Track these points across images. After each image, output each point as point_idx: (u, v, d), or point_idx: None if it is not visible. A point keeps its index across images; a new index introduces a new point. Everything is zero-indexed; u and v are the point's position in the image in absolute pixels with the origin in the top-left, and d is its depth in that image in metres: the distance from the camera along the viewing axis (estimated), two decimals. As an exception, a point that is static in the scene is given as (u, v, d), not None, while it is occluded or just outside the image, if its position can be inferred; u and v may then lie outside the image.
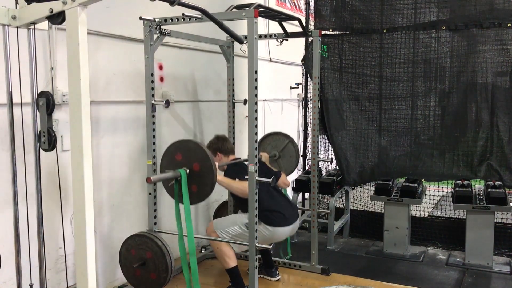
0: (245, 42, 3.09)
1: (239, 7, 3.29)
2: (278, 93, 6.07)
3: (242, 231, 3.37)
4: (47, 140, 2.59)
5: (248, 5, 3.07)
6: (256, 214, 3.00)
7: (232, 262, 3.42)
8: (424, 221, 4.82)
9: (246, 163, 3.04)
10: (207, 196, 3.02)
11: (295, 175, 5.39)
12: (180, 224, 3.12)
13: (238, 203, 3.71)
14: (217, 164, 3.07)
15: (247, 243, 3.03)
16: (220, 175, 3.21)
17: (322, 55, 4.49)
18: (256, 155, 2.96)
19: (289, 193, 4.67)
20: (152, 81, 3.28)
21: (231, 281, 3.50)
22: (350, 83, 4.68)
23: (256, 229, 3.01)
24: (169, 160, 3.08)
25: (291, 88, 6.38)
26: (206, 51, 4.43)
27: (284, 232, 3.53)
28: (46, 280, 2.82)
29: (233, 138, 4.32)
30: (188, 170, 2.99)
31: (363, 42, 4.60)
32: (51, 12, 2.17)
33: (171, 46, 3.97)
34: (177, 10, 2.75)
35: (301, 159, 5.48)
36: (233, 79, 4.26)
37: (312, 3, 4.89)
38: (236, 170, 3.49)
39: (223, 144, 3.68)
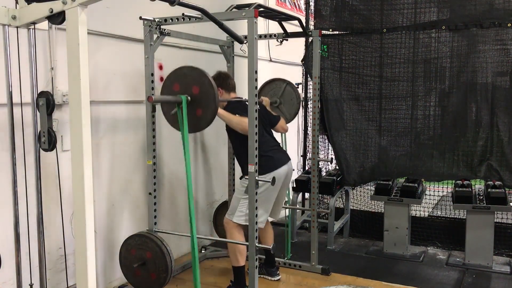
0: (245, 42, 3.08)
1: (239, 7, 3.29)
2: (278, 93, 6.07)
3: (247, 199, 3.27)
4: (47, 140, 2.59)
5: (248, 5, 3.07)
6: (256, 214, 3.00)
7: (242, 261, 3.41)
8: (424, 221, 4.82)
9: (247, 103, 3.00)
10: (213, 117, 2.88)
11: (295, 174, 5.40)
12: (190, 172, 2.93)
13: (236, 154, 3.64)
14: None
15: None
16: (220, 109, 3.15)
17: (322, 55, 4.49)
18: (256, 155, 2.95)
19: (289, 193, 4.68)
20: (152, 81, 3.28)
21: (234, 279, 3.49)
22: (350, 83, 4.68)
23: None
24: (168, 93, 2.99)
25: (291, 88, 6.38)
26: (206, 51, 4.43)
27: (280, 173, 3.48)
28: (46, 280, 2.82)
29: (233, 138, 4.32)
30: (189, 98, 2.87)
31: (363, 42, 4.60)
32: (51, 12, 2.17)
33: (171, 46, 3.97)
34: (177, 10, 2.75)
35: (301, 159, 5.49)
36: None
37: (312, 3, 4.89)
38: (236, 106, 3.44)
39: (224, 80, 3.60)
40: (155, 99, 2.91)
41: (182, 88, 2.91)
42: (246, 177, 3.33)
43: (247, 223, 3.30)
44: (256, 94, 2.92)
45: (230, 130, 3.45)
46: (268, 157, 3.39)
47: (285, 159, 3.62)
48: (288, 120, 4.31)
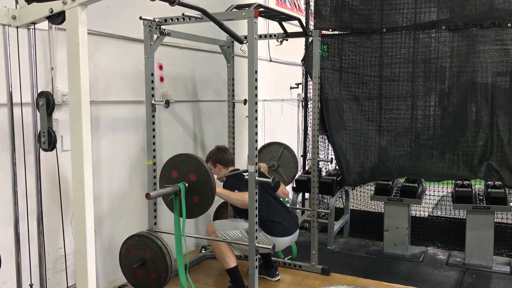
0: (245, 42, 3.08)
1: (239, 7, 3.28)
2: (278, 93, 6.07)
3: (242, 236, 3.38)
4: (47, 140, 2.59)
5: (248, 5, 3.07)
6: (256, 215, 2.99)
7: (232, 263, 3.42)
8: (424, 221, 4.82)
9: (245, 174, 3.04)
10: (210, 204, 3.01)
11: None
12: (179, 233, 3.11)
13: (237, 212, 3.72)
14: (215, 176, 3.09)
15: (247, 243, 3.03)
16: (219, 187, 3.21)
17: (322, 55, 4.49)
18: (256, 155, 2.95)
19: (289, 195, 4.67)
20: (152, 81, 3.28)
21: (231, 281, 3.50)
22: (350, 83, 4.68)
23: (256, 229, 3.01)
24: (167, 180, 3.10)
25: (291, 88, 6.38)
26: (206, 51, 4.42)
27: (284, 242, 3.55)
28: (46, 280, 2.82)
29: (233, 138, 4.32)
30: (187, 184, 2.99)
31: (363, 42, 4.60)
32: (51, 12, 2.17)
33: (171, 46, 3.97)
34: (177, 10, 2.75)
35: (301, 159, 5.49)
36: (233, 79, 4.26)
37: (312, 3, 4.89)
38: (235, 181, 3.49)
39: (223, 156, 3.68)
40: (153, 195, 2.99)
41: (180, 175, 3.03)
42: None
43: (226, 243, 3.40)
44: (256, 94, 2.91)
45: None
46: (278, 223, 3.48)
47: (294, 228, 3.63)
48: (287, 183, 4.40)
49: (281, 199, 3.85)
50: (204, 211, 3.04)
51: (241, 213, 3.53)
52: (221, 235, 3.44)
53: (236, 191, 3.35)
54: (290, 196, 4.80)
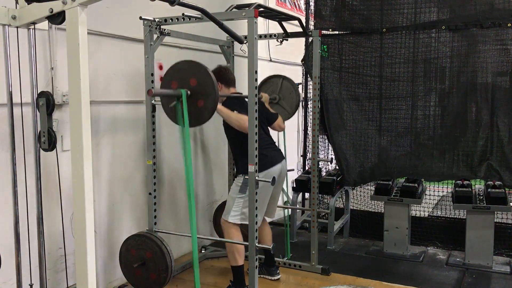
0: (245, 42, 3.09)
1: (239, 7, 3.29)
2: (278, 93, 6.07)
3: (242, 198, 3.34)
4: (47, 140, 2.59)
5: (248, 5, 3.07)
6: (256, 214, 3.00)
7: (240, 260, 3.41)
8: (424, 221, 4.82)
9: (247, 99, 2.97)
10: (215, 105, 2.82)
11: (295, 174, 5.40)
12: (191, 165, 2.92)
13: (235, 156, 3.62)
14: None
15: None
16: (219, 104, 3.13)
17: (322, 55, 4.49)
18: (256, 155, 2.96)
19: (289, 193, 4.68)
20: (152, 81, 3.29)
21: (234, 279, 3.49)
22: (350, 83, 4.68)
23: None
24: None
25: (291, 88, 6.37)
26: (206, 51, 4.42)
27: (274, 171, 3.46)
28: (46, 280, 2.82)
29: (233, 138, 4.32)
30: (189, 92, 2.82)
31: (363, 42, 4.60)
32: (51, 12, 2.17)
33: (171, 46, 3.97)
34: (177, 10, 2.75)
35: (301, 158, 5.49)
36: (233, 79, 4.25)
37: (312, 3, 4.89)
38: (235, 102, 3.42)
39: (225, 74, 3.58)
40: (155, 92, 2.89)
41: (180, 84, 2.88)
42: (242, 176, 3.34)
43: (243, 222, 3.31)
44: (256, 94, 2.92)
45: (227, 127, 3.44)
46: (262, 155, 3.34)
47: (279, 157, 3.60)
48: (290, 114, 4.30)
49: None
50: (210, 114, 2.84)
51: (236, 151, 3.48)
52: (232, 218, 3.38)
53: (235, 112, 3.29)
54: (290, 196, 4.80)
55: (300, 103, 4.46)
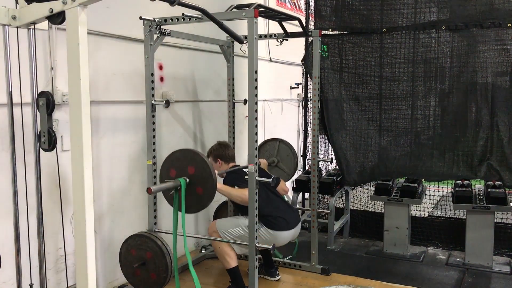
0: (245, 42, 3.09)
1: (239, 7, 3.29)
2: (278, 93, 6.07)
3: (244, 233, 3.38)
4: (47, 140, 2.59)
5: (248, 5, 3.07)
6: (256, 214, 3.00)
7: (233, 262, 3.43)
8: (424, 221, 4.82)
9: (246, 170, 3.03)
10: (213, 192, 2.98)
11: (295, 175, 5.40)
12: (176, 229, 3.11)
13: (237, 209, 3.72)
14: (216, 171, 3.07)
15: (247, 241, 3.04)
16: (219, 183, 3.21)
17: (322, 55, 4.49)
18: (256, 155, 2.95)
19: (289, 193, 4.68)
20: (152, 81, 3.28)
21: (232, 281, 3.50)
22: (350, 83, 4.68)
23: (257, 229, 3.01)
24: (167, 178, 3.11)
25: (291, 88, 6.38)
26: (206, 51, 4.42)
27: (286, 236, 3.54)
28: (46, 280, 2.82)
29: (233, 138, 4.32)
30: (187, 179, 2.99)
31: (363, 42, 4.60)
32: (51, 12, 2.17)
33: (171, 46, 3.97)
34: (177, 10, 2.75)
35: (301, 159, 5.49)
36: (233, 79, 4.26)
37: (312, 3, 4.89)
38: (235, 177, 3.49)
39: (224, 151, 3.68)
40: (154, 190, 2.98)
41: (178, 172, 3.02)
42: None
43: (227, 241, 3.40)
44: (256, 94, 2.91)
45: None
46: (281, 218, 3.48)
47: (296, 222, 3.62)
48: (290, 176, 4.41)
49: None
50: (209, 200, 3.00)
51: (241, 209, 3.53)
52: (222, 233, 3.45)
53: (236, 187, 3.35)
54: (290, 196, 4.80)
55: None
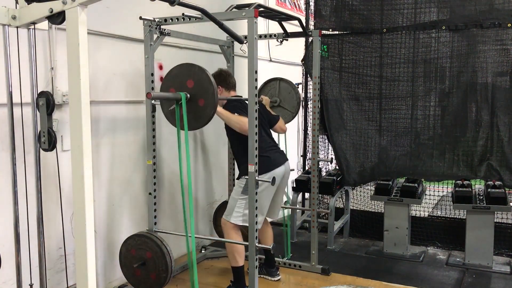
0: (245, 42, 3.09)
1: (239, 7, 3.29)
2: (278, 93, 6.07)
3: (244, 200, 3.32)
4: (47, 140, 2.59)
5: (248, 5, 3.07)
6: (256, 214, 3.00)
7: (241, 261, 3.41)
8: (424, 221, 4.82)
9: (247, 101, 2.98)
10: (215, 101, 2.84)
11: (295, 174, 5.39)
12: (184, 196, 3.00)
13: (237, 158, 3.60)
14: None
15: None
16: (219, 107, 3.14)
17: (322, 55, 4.49)
18: (256, 155, 2.96)
19: (289, 193, 4.68)
20: (152, 81, 3.28)
21: (234, 279, 3.49)
22: (350, 83, 4.68)
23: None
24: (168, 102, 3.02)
25: (291, 88, 6.38)
26: (206, 51, 4.42)
27: (278, 173, 3.45)
28: (46, 280, 2.82)
29: (233, 138, 4.32)
30: (188, 95, 2.86)
31: (363, 42, 4.60)
32: (51, 12, 2.17)
33: (171, 46, 3.97)
34: (177, 10, 2.75)
35: (301, 158, 5.49)
36: (233, 79, 4.25)
37: (312, 3, 4.90)
38: (236, 105, 3.42)
39: (225, 78, 3.59)
40: (154, 96, 2.91)
41: (178, 89, 2.93)
42: (244, 177, 3.34)
43: (245, 224, 3.30)
44: (256, 94, 2.92)
45: (229, 129, 3.44)
46: (265, 157, 3.37)
47: (283, 159, 3.60)
48: (294, 113, 4.32)
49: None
50: (212, 110, 2.86)
51: (238, 153, 3.47)
52: (234, 219, 3.38)
53: (236, 114, 3.29)
54: (290, 196, 4.80)
55: (300, 103, 4.46)
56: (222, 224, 3.52)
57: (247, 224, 3.20)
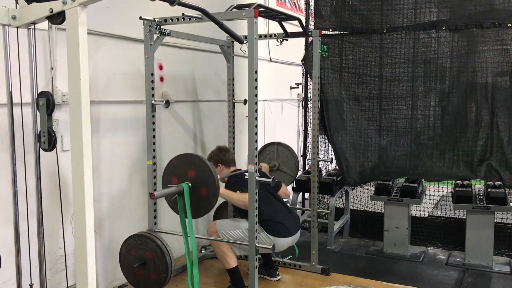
0: (245, 42, 3.08)
1: (239, 7, 3.28)
2: (278, 93, 6.07)
3: (244, 235, 3.39)
4: (47, 140, 2.59)
5: (248, 5, 3.07)
6: (256, 214, 2.99)
7: (232, 262, 3.43)
8: (424, 221, 4.82)
9: (247, 174, 3.04)
10: (217, 191, 2.96)
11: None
12: (186, 234, 3.09)
13: (238, 212, 3.73)
14: (218, 176, 3.06)
15: (248, 243, 3.03)
16: (221, 188, 3.21)
17: (322, 55, 4.49)
18: (256, 155, 2.95)
19: (290, 194, 4.68)
20: (152, 81, 3.28)
21: (231, 281, 3.50)
22: (350, 83, 4.68)
23: (256, 229, 3.01)
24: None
25: (291, 88, 6.38)
26: (206, 51, 4.42)
27: (285, 242, 3.54)
28: (46, 280, 2.82)
29: (233, 138, 4.32)
30: (190, 184, 2.98)
31: (363, 42, 4.60)
32: (51, 12, 2.17)
33: (171, 46, 3.97)
34: (177, 10, 2.75)
35: (301, 159, 5.49)
36: (233, 79, 4.25)
37: (312, 3, 4.89)
38: (237, 181, 3.49)
39: (224, 156, 3.68)
40: (157, 195, 2.95)
41: (179, 179, 3.02)
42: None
43: (227, 242, 3.39)
44: (256, 94, 2.91)
45: None
46: (280, 224, 3.48)
47: (296, 229, 3.63)
48: (293, 177, 4.42)
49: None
50: (215, 199, 2.97)
51: (242, 212, 3.53)
52: (222, 234, 3.45)
53: (238, 191, 3.35)
54: (290, 196, 4.80)
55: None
56: (210, 226, 3.60)
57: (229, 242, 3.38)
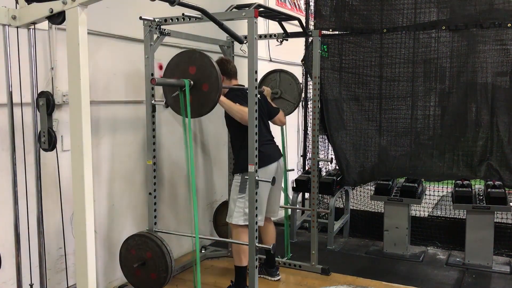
0: (245, 42, 3.08)
1: (239, 7, 3.29)
2: (278, 93, 6.07)
3: (243, 198, 3.33)
4: (47, 140, 2.59)
5: (248, 5, 3.07)
6: (256, 215, 3.00)
7: (245, 261, 3.39)
8: (424, 221, 4.82)
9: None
10: (219, 85, 2.84)
11: (295, 174, 5.40)
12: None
13: (235, 152, 3.60)
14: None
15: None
16: (222, 96, 3.12)
17: (322, 55, 4.49)
18: (256, 155, 2.95)
19: (289, 193, 4.68)
20: (152, 81, 3.28)
21: (235, 278, 3.48)
22: (350, 83, 4.68)
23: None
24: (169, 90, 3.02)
25: (291, 88, 6.38)
26: (206, 51, 4.40)
27: (269, 170, 3.44)
28: (46, 280, 2.82)
29: (233, 138, 4.32)
30: (192, 82, 2.87)
31: (363, 42, 4.60)
32: (51, 12, 2.17)
33: (171, 46, 3.96)
34: (177, 10, 2.75)
35: (301, 158, 5.49)
36: (233, 79, 4.24)
37: (312, 3, 4.90)
38: (237, 95, 3.40)
39: (226, 66, 3.55)
40: (158, 82, 2.90)
41: (181, 77, 2.93)
42: (240, 174, 3.34)
43: (246, 223, 3.30)
44: (256, 94, 2.92)
45: (229, 120, 3.43)
46: (259, 152, 3.28)
47: (277, 155, 3.58)
48: (295, 104, 4.31)
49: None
50: (217, 93, 2.85)
51: (235, 146, 3.48)
52: (236, 220, 3.37)
53: (237, 104, 3.27)
54: (290, 195, 4.80)
55: (301, 94, 4.44)
56: (230, 227, 3.54)
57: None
